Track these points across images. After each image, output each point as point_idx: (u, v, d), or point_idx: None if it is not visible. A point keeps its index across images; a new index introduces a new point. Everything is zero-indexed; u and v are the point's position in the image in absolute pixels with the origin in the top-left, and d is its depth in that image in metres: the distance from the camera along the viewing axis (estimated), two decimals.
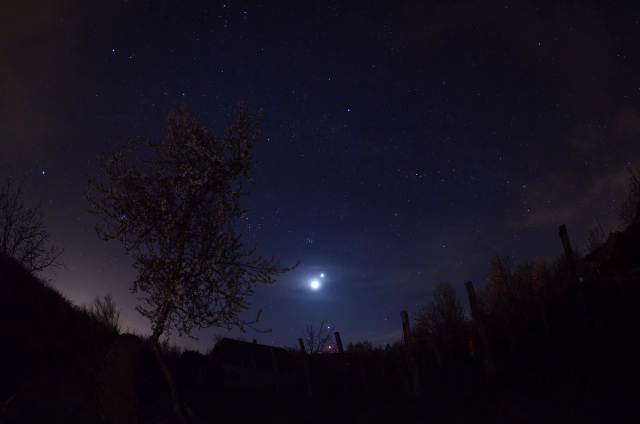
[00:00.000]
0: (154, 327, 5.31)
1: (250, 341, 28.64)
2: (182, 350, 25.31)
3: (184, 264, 5.29)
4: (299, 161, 78.42)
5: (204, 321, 5.46)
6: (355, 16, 64.24)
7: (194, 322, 5.42)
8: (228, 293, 5.59)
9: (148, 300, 5.48)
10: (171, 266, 5.41)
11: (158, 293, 5.36)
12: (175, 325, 5.42)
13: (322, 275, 74.69)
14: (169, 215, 5.26)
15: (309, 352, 19.28)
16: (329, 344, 20.09)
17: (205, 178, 5.19)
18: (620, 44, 48.92)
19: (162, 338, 10.72)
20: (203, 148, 5.30)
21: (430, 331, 27.10)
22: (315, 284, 68.18)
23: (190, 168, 5.19)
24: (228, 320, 5.51)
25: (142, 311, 5.35)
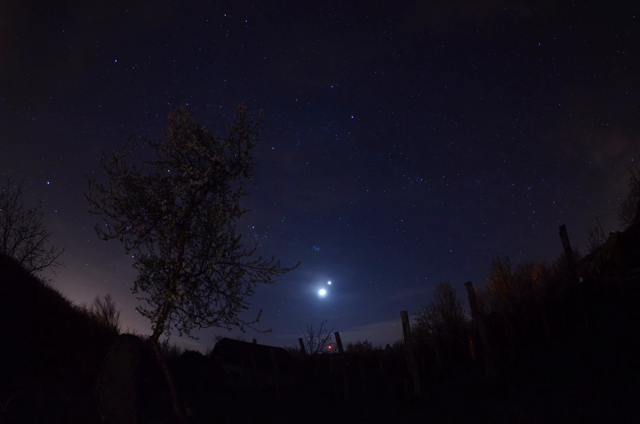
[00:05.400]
0: (154, 327, 5.31)
1: (250, 341, 28.67)
2: (182, 350, 25.39)
3: (184, 264, 5.29)
4: (304, 169, 78.28)
5: (204, 321, 5.46)
6: (356, 22, 64.22)
7: (194, 322, 5.42)
8: (228, 293, 5.60)
9: (148, 300, 5.47)
10: (171, 266, 5.41)
11: (158, 293, 5.36)
12: (175, 325, 5.41)
13: (329, 282, 74.35)
14: (169, 215, 5.27)
15: (309, 352, 19.28)
16: (329, 344, 20.07)
17: (205, 178, 5.19)
18: (620, 40, 48.89)
19: (162, 338, 10.73)
20: (203, 148, 5.30)
21: (430, 331, 27.16)
22: (322, 291, 67.95)
23: (190, 168, 5.19)
24: (228, 320, 5.51)
25: (142, 311, 5.35)
